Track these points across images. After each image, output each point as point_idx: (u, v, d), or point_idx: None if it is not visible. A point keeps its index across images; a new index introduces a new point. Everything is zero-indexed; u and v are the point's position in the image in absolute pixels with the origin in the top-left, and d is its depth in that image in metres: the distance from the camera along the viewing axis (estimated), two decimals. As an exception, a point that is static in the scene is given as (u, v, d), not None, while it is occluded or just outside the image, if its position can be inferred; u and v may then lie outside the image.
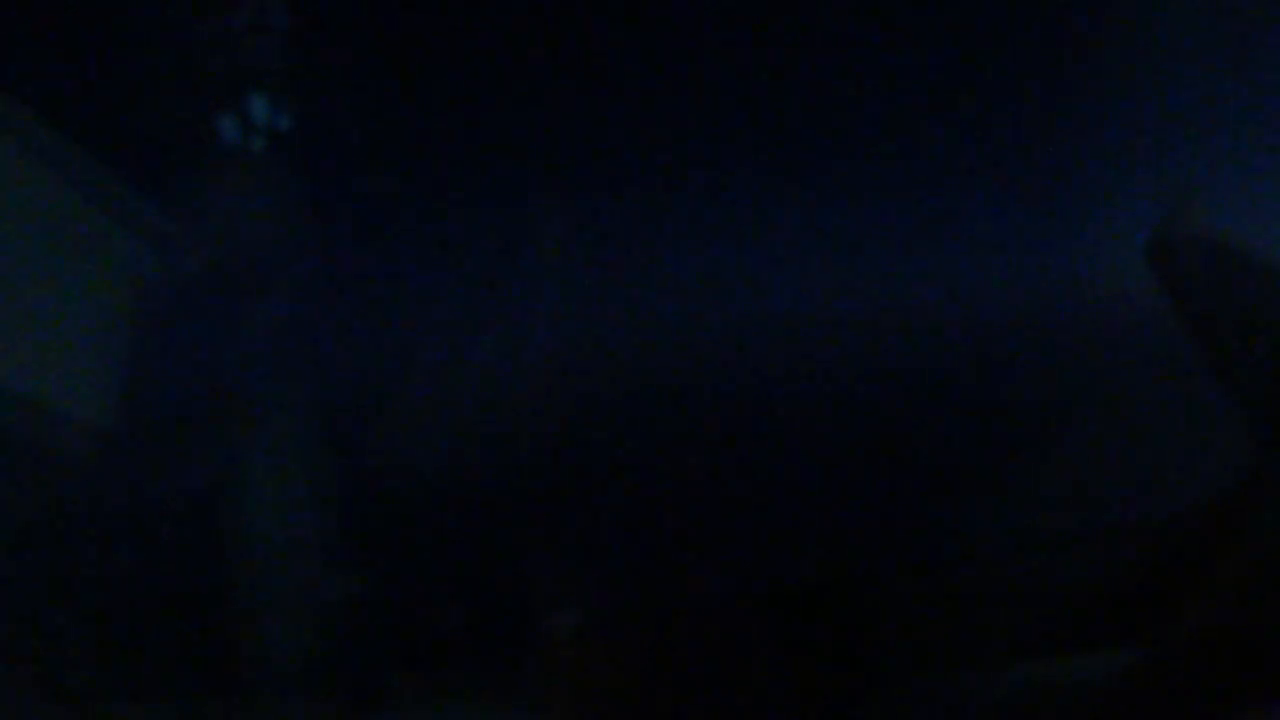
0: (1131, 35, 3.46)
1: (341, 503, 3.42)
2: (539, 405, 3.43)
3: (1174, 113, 3.44)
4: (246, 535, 3.35)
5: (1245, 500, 2.48)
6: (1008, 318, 3.45)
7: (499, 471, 3.40)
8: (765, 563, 3.20)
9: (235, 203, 3.49)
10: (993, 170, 3.52)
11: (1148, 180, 3.40)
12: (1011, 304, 3.45)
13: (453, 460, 3.41)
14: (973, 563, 2.76)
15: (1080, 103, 3.47)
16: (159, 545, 3.31)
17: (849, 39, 3.49)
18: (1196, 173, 3.38)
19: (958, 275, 3.48)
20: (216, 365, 3.42)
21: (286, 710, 3.25)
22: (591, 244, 3.52)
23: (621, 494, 3.34)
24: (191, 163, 3.47)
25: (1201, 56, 3.45)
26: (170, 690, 3.18)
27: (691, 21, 3.46)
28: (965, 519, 3.12)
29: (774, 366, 3.47)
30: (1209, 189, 3.33)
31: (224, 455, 3.40)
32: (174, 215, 3.51)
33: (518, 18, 3.42)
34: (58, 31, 3.31)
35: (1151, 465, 3.08)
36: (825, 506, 3.29)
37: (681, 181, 3.50)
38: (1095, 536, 2.69)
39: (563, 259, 3.51)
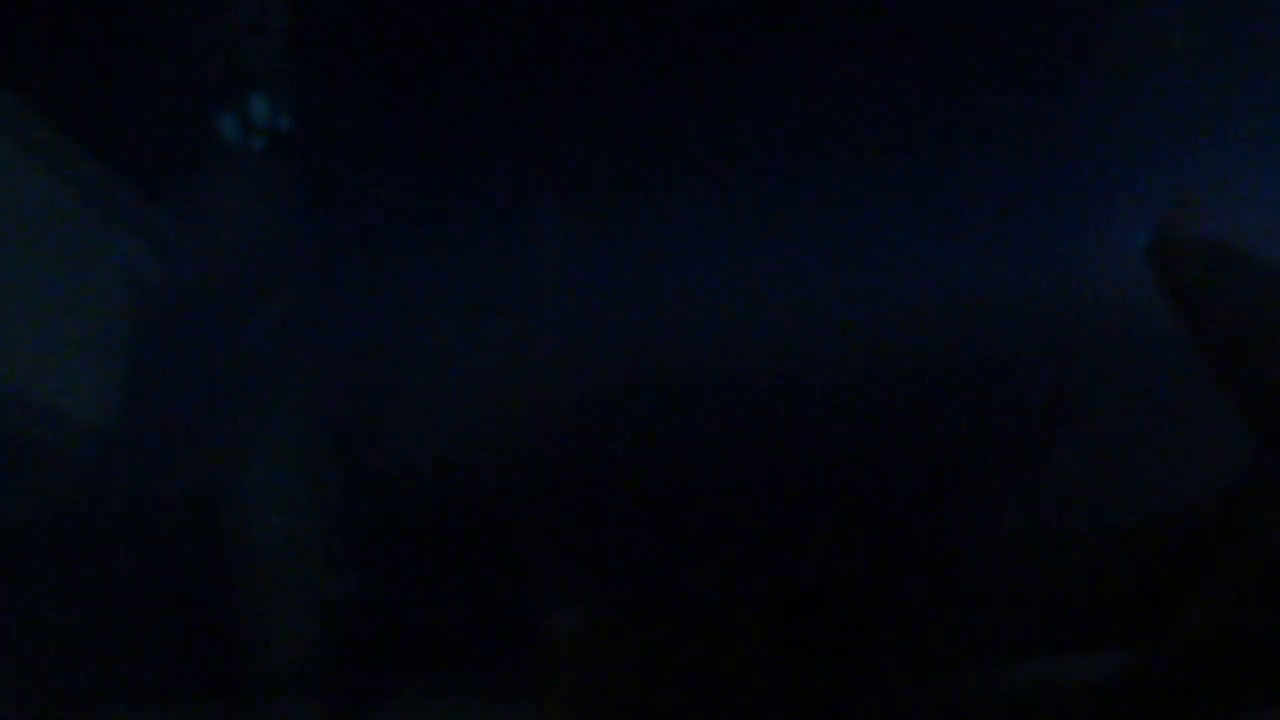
0: (1131, 36, 3.47)
1: (341, 503, 3.42)
2: (538, 406, 3.43)
3: (1174, 114, 3.44)
4: (246, 535, 3.35)
5: (1245, 500, 2.48)
6: (1007, 318, 3.44)
7: (498, 472, 3.40)
8: (765, 562, 3.20)
9: (235, 203, 3.50)
10: (993, 171, 3.53)
11: (1148, 181, 3.40)
12: (1011, 305, 3.45)
13: (452, 461, 3.41)
14: (973, 563, 2.76)
15: (1081, 104, 3.48)
16: (159, 545, 3.31)
17: (848, 40, 3.49)
18: (1197, 173, 3.39)
19: (958, 276, 3.48)
20: (217, 365, 3.42)
21: (286, 710, 3.25)
22: (592, 244, 3.52)
23: (621, 494, 3.34)
24: (191, 163, 3.48)
25: (1201, 57, 3.45)
26: (170, 690, 3.18)
27: (695, 22, 3.46)
28: (965, 519, 3.12)
29: (774, 368, 3.47)
30: (1209, 189, 3.33)
31: (224, 455, 3.40)
32: (174, 215, 3.51)
33: (518, 18, 3.42)
34: (59, 32, 3.31)
35: (1151, 465, 3.08)
36: (825, 507, 3.29)
37: (679, 182, 3.50)
38: (1095, 536, 2.69)
39: (563, 260, 3.51)
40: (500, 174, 3.50)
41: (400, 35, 3.46)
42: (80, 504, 3.34)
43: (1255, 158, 3.40)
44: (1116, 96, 3.46)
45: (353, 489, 3.42)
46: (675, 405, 3.43)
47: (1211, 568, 2.47)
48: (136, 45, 3.32)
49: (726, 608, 2.67)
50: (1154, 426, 3.15)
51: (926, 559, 2.82)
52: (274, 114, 3.50)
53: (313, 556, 3.38)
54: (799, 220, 3.51)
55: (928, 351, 3.47)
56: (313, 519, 3.40)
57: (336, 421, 3.47)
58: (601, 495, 3.34)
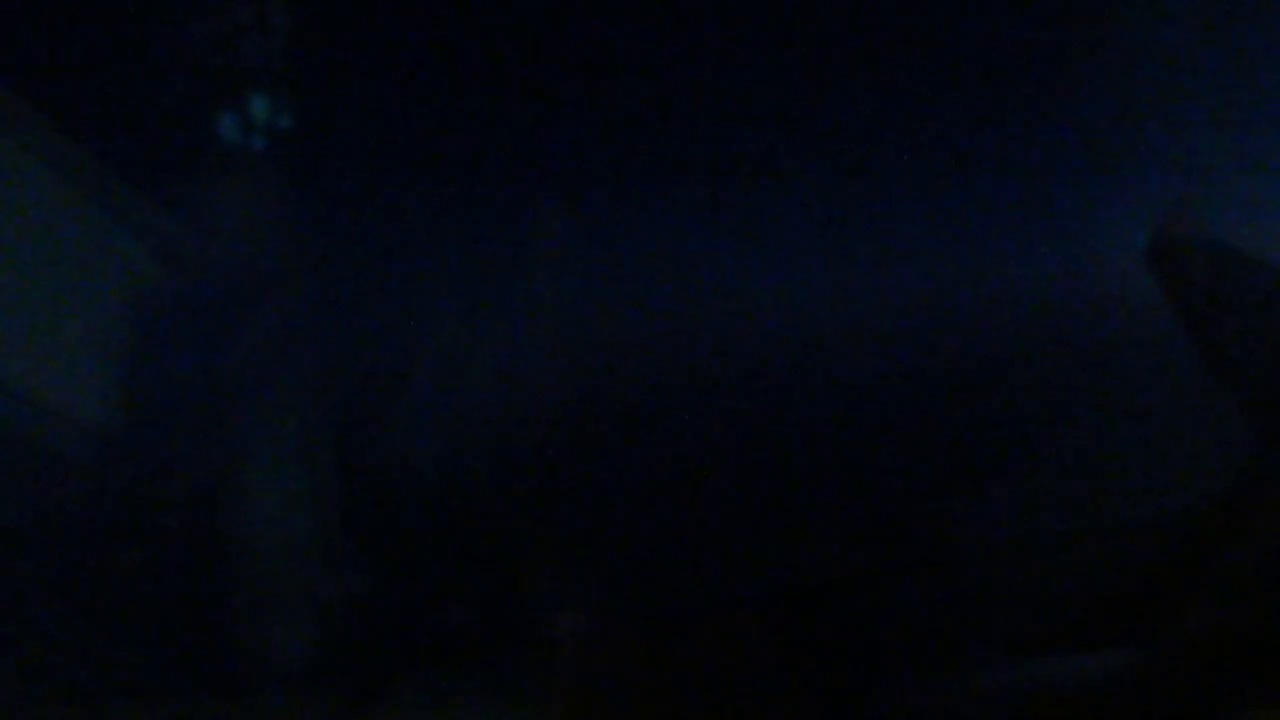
0: (1131, 36, 3.47)
1: (341, 503, 3.42)
2: (539, 407, 3.43)
3: (1174, 114, 3.44)
4: (246, 535, 3.35)
5: (1245, 500, 2.48)
6: (1007, 318, 3.44)
7: (500, 473, 3.40)
8: (766, 564, 3.20)
9: (236, 203, 3.50)
10: (992, 172, 3.52)
11: (1148, 181, 3.40)
12: (1011, 304, 3.44)
13: (453, 461, 3.41)
14: (973, 563, 2.76)
15: (1081, 104, 3.48)
16: (159, 545, 3.31)
17: (849, 41, 3.49)
18: (1197, 173, 3.39)
19: (958, 276, 3.48)
20: (217, 365, 3.42)
21: (287, 710, 3.25)
22: (594, 244, 3.52)
23: (623, 495, 3.34)
24: (192, 162, 3.48)
25: (1201, 57, 3.45)
26: (170, 690, 3.18)
27: (696, 22, 3.46)
28: (965, 519, 3.12)
29: (775, 368, 3.47)
30: (1209, 189, 3.33)
31: (224, 455, 3.40)
32: (175, 215, 3.51)
33: (518, 18, 3.42)
34: (60, 33, 3.31)
35: (1151, 465, 3.08)
36: (826, 508, 3.29)
37: (680, 182, 3.50)
38: (1095, 536, 2.69)
39: (564, 259, 3.51)
40: (500, 173, 3.50)
41: (400, 35, 3.46)
42: (80, 504, 3.34)
43: (1255, 158, 3.40)
44: (1116, 96, 3.46)
45: (353, 489, 3.42)
46: (677, 406, 3.43)
47: (1211, 568, 2.47)
48: (137, 46, 3.32)
49: (728, 609, 2.68)
50: (1154, 426, 3.15)
51: (927, 559, 2.82)
52: (274, 114, 3.50)
53: (313, 556, 3.38)
54: (799, 221, 3.51)
55: (928, 351, 3.47)
56: (313, 518, 3.40)
57: (336, 421, 3.47)
58: (604, 496, 3.34)
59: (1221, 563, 2.47)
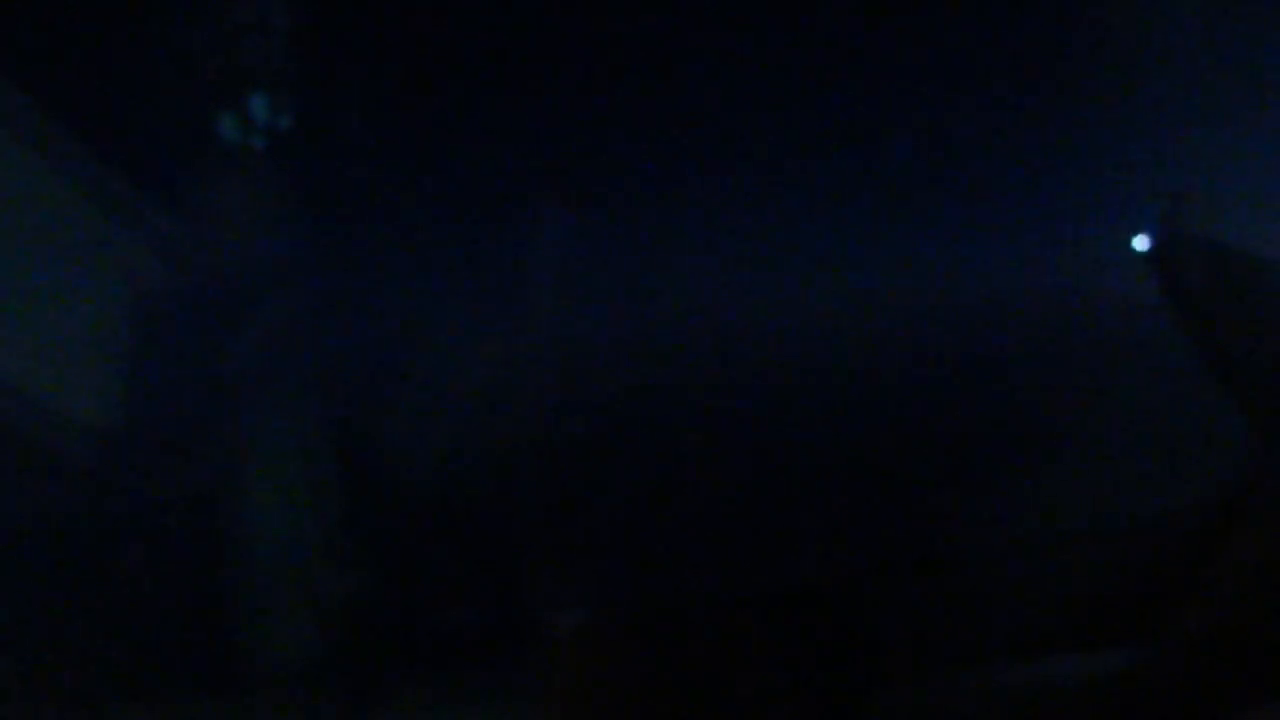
0: (1131, 35, 3.47)
1: (341, 503, 3.42)
2: (538, 406, 3.43)
3: (1174, 113, 3.44)
4: (247, 535, 3.35)
5: (1245, 500, 2.48)
6: (1007, 318, 3.45)
7: (499, 473, 3.40)
8: (765, 563, 3.20)
9: (235, 202, 3.50)
10: (992, 172, 3.53)
11: (1148, 181, 3.40)
12: (1011, 304, 3.45)
13: (453, 461, 3.41)
14: (973, 563, 2.77)
15: (1081, 103, 3.48)
16: (159, 545, 3.31)
17: (849, 41, 3.49)
18: (1197, 173, 3.39)
19: (959, 277, 3.48)
20: (217, 365, 3.42)
21: (287, 710, 3.25)
22: (593, 244, 3.52)
23: (622, 495, 3.34)
24: (193, 162, 3.48)
25: (1201, 57, 3.45)
26: (170, 690, 3.18)
27: (697, 22, 3.46)
28: (966, 519, 3.12)
29: (775, 368, 3.47)
30: (1209, 189, 3.33)
31: (224, 455, 3.40)
32: (175, 215, 3.51)
33: (518, 18, 3.42)
34: (61, 32, 3.32)
35: (1151, 465, 3.08)
36: (825, 507, 3.29)
37: (681, 183, 3.50)
38: (1095, 536, 2.69)
39: (564, 259, 3.51)
40: (501, 173, 3.50)
41: (400, 35, 3.46)
42: (80, 504, 3.34)
43: (1255, 157, 3.40)
44: (1116, 96, 3.46)
45: (353, 489, 3.42)
46: (677, 406, 3.43)
47: (1211, 568, 2.47)
48: (138, 45, 3.32)
49: (728, 608, 2.68)
50: (1154, 426, 3.15)
51: (927, 559, 2.82)
52: (274, 114, 3.50)
53: (313, 556, 3.38)
54: (799, 222, 3.51)
55: (928, 352, 3.47)
56: (313, 519, 3.40)
57: (337, 421, 3.47)
58: (603, 495, 3.34)
59: (1221, 563, 2.47)
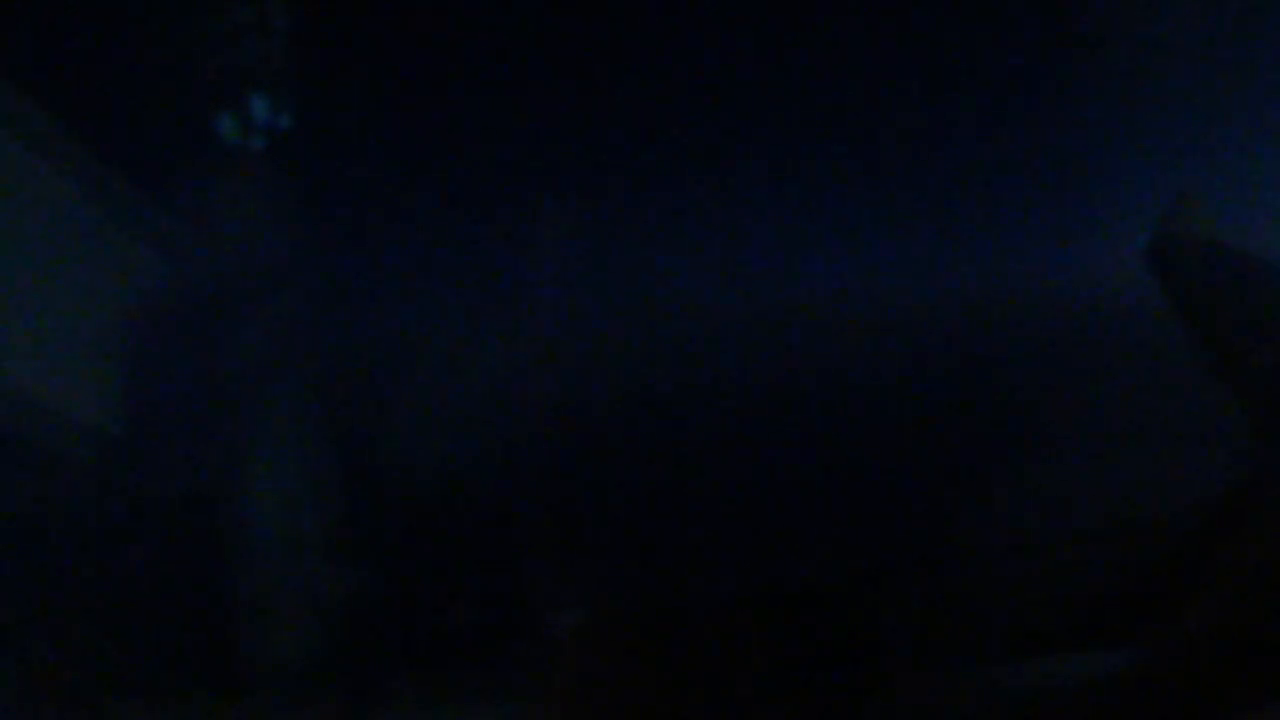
0: (1132, 35, 3.47)
1: (342, 503, 3.42)
2: (539, 406, 3.43)
3: (1174, 113, 3.44)
4: (247, 535, 3.35)
5: (1245, 500, 2.48)
6: (1007, 318, 3.45)
7: (499, 472, 3.40)
8: (766, 562, 3.20)
9: (236, 202, 3.50)
10: (993, 172, 3.53)
11: (1148, 181, 3.40)
12: (1011, 304, 3.45)
13: (453, 461, 3.41)
14: (973, 563, 2.77)
15: (1081, 104, 3.48)
16: (159, 545, 3.31)
17: (849, 40, 3.49)
18: (1197, 173, 3.39)
19: (959, 277, 3.48)
20: (217, 365, 3.42)
21: (287, 710, 3.25)
22: (593, 245, 3.52)
23: (623, 494, 3.34)
24: (193, 162, 3.48)
25: (1201, 57, 3.45)
26: (170, 690, 3.18)
27: (697, 22, 3.46)
28: (966, 519, 3.12)
29: (776, 369, 3.47)
30: (1209, 189, 3.33)
31: (224, 455, 3.40)
32: (176, 215, 3.51)
33: (517, 18, 3.42)
34: (62, 32, 3.32)
35: (1151, 465, 3.08)
36: (826, 507, 3.29)
37: (682, 184, 3.50)
38: (1095, 536, 2.69)
39: (565, 260, 3.51)
40: (501, 173, 3.50)
41: (400, 35, 3.46)
42: (80, 504, 3.34)
43: (1255, 158, 3.40)
44: (1117, 96, 3.46)
45: (353, 489, 3.42)
46: (678, 406, 3.43)
47: (1211, 568, 2.47)
48: (138, 45, 3.32)
49: (728, 608, 2.68)
50: (1154, 426, 3.15)
51: (927, 560, 2.82)
52: (274, 114, 3.50)
53: (313, 556, 3.38)
54: (800, 222, 3.51)
55: (928, 352, 3.47)
56: (313, 519, 3.40)
57: (337, 421, 3.47)
58: (604, 495, 3.34)
59: (1221, 563, 2.46)
